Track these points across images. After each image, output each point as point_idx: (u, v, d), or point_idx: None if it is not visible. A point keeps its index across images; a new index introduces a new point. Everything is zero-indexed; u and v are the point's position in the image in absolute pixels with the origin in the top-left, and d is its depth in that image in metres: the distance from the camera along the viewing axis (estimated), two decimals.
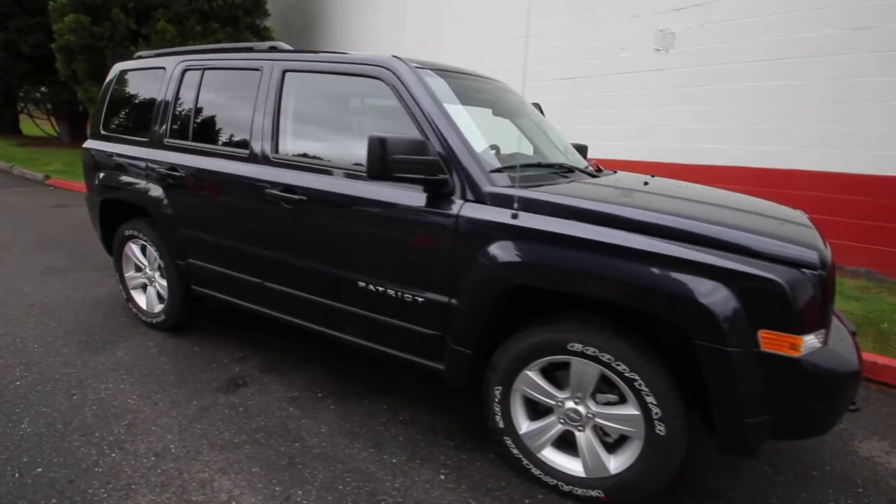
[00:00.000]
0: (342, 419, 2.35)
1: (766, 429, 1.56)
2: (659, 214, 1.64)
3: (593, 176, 2.33)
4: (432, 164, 1.85)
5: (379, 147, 1.74)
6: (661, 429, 1.64)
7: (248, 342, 3.08)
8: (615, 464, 1.79)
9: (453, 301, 1.94)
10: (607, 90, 6.19)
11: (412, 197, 1.98)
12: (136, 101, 3.09)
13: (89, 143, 3.27)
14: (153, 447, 2.09)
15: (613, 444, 1.83)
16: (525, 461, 1.94)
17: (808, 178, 4.69)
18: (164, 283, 3.04)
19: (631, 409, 1.70)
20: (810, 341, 1.49)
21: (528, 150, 2.62)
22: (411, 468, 2.03)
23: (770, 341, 1.47)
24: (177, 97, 2.78)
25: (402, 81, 2.06)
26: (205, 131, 2.68)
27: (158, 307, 3.15)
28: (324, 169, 2.20)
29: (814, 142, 4.65)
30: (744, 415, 1.53)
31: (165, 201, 2.76)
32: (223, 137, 2.61)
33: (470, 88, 2.42)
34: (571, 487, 1.86)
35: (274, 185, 2.30)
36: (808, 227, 1.88)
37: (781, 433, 1.59)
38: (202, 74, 2.70)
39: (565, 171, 2.29)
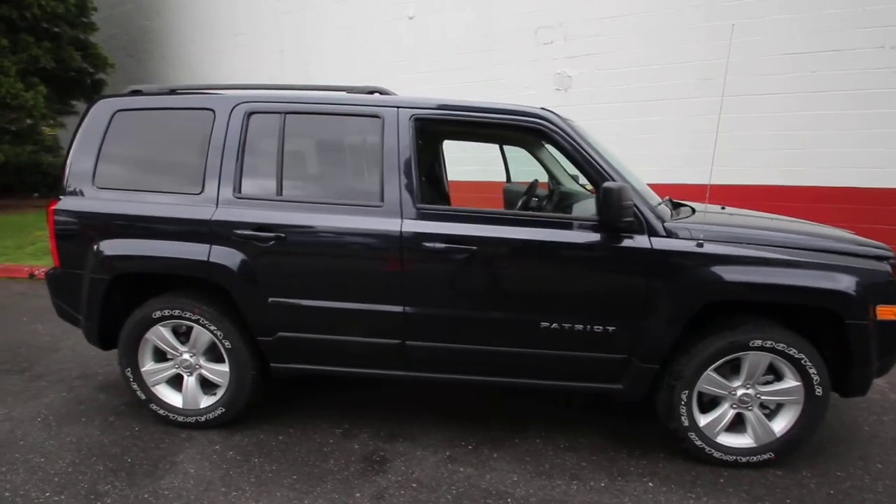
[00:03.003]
0: (517, 464, 2.34)
1: (874, 374, 2.26)
2: (802, 236, 2.22)
3: (680, 206, 2.82)
4: (632, 206, 2.09)
5: (618, 195, 1.92)
6: (819, 391, 2.20)
7: (330, 416, 2.71)
8: (778, 427, 2.29)
9: (644, 324, 2.20)
10: None
11: (594, 236, 2.17)
12: (162, 149, 2.46)
13: (70, 204, 2.44)
14: None
15: (769, 414, 2.34)
16: (708, 449, 2.30)
17: (680, 189, 6.18)
18: (223, 367, 2.47)
19: (791, 382, 2.22)
20: None
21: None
22: (623, 486, 2.20)
23: (883, 311, 2.16)
24: (244, 145, 2.35)
25: (563, 131, 2.25)
26: (304, 184, 2.35)
27: (206, 401, 2.54)
28: (494, 218, 2.22)
29: (683, 162, 6.16)
30: (869, 366, 2.19)
31: (248, 268, 2.29)
32: (336, 189, 2.33)
33: None
34: (748, 458, 2.29)
35: (433, 237, 2.20)
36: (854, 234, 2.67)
37: (877, 375, 2.31)
38: (283, 119, 2.34)
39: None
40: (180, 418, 2.54)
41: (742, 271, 2.12)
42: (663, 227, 2.18)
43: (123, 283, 2.47)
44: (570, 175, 3.70)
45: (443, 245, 2.19)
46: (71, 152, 2.51)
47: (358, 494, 2.11)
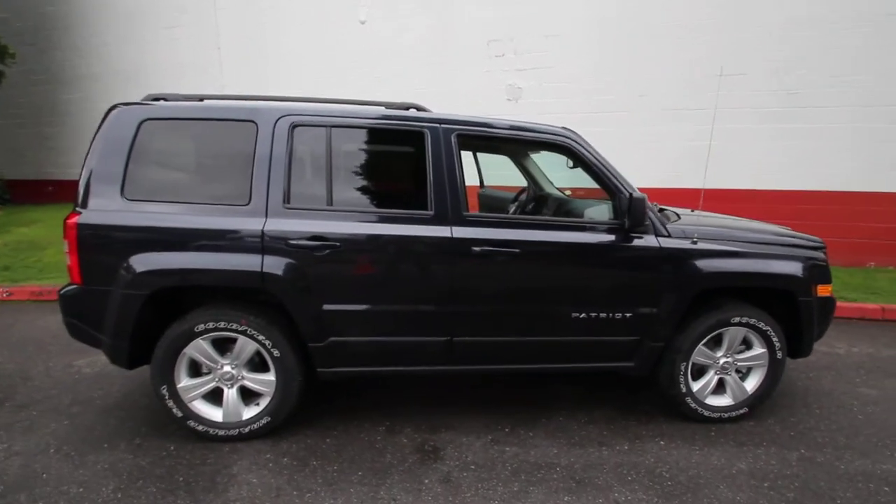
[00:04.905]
0: (552, 439, 2.66)
1: (815, 339, 2.90)
2: (763, 234, 2.79)
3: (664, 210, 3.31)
4: (648, 212, 2.50)
5: (642, 204, 2.31)
6: (779, 355, 2.78)
7: (368, 415, 2.83)
8: (749, 386, 2.84)
9: (654, 310, 2.63)
10: None
11: (614, 237, 2.56)
12: (199, 159, 2.42)
13: (97, 217, 2.31)
14: None
15: (742, 377, 2.89)
16: (700, 410, 2.79)
17: None
18: (267, 376, 2.50)
19: (759, 349, 2.78)
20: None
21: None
22: (641, 446, 2.60)
23: (821, 290, 2.79)
24: (290, 156, 2.40)
25: (584, 149, 2.61)
26: (354, 194, 2.45)
27: (249, 412, 2.54)
28: (532, 223, 2.51)
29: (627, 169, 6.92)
30: (814, 333, 2.82)
31: (302, 276, 2.36)
32: (385, 199, 2.47)
33: None
34: (729, 414, 2.82)
35: (480, 241, 2.43)
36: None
37: (817, 339, 2.95)
38: (329, 132, 2.44)
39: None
40: (222, 432, 2.51)
41: (728, 263, 2.64)
42: (665, 228, 2.63)
43: (156, 299, 2.39)
44: (549, 181, 4.14)
45: (489, 248, 2.44)
46: (89, 163, 2.37)
47: (427, 480, 2.29)
